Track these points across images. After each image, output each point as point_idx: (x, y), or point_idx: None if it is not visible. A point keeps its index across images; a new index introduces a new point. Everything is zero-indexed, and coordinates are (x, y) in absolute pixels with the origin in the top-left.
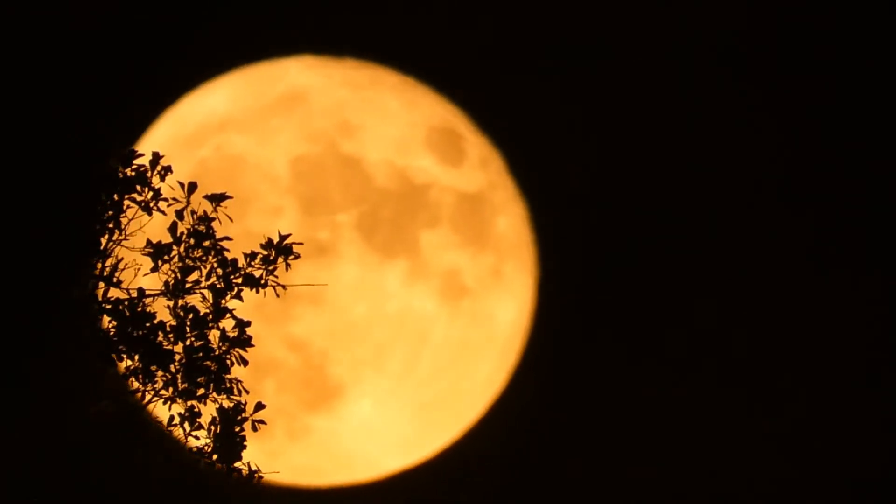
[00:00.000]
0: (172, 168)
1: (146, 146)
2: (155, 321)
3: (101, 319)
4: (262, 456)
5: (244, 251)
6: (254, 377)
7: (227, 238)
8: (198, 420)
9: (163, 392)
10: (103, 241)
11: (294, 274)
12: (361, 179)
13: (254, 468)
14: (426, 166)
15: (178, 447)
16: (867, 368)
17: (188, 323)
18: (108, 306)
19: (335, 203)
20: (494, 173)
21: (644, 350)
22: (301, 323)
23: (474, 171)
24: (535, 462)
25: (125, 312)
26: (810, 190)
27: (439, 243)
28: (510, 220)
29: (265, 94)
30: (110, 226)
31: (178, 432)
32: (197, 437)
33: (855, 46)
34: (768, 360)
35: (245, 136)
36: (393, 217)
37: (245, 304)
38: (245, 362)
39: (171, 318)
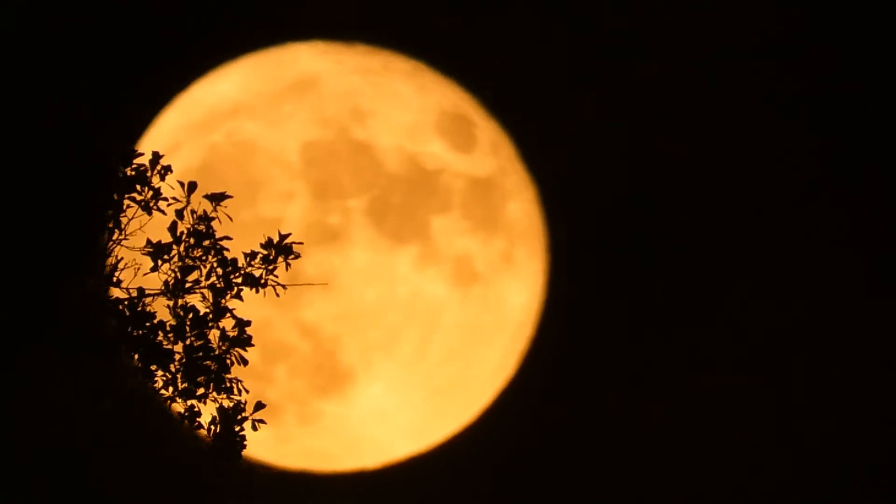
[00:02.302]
0: (172, 167)
1: (157, 132)
2: (155, 321)
3: (102, 319)
4: (274, 441)
5: (253, 239)
6: (265, 362)
7: (227, 238)
8: (198, 420)
9: (163, 392)
10: (103, 241)
11: (305, 259)
12: (372, 165)
13: (252, 463)
14: (437, 152)
15: (181, 443)
16: (876, 371)
17: (188, 322)
18: (109, 306)
19: (346, 188)
20: (505, 158)
21: (655, 335)
22: (312, 308)
23: (485, 156)
24: (546, 447)
25: (125, 312)
26: (824, 187)
27: (450, 228)
28: (521, 205)
29: (276, 79)
30: (110, 225)
31: (180, 428)
32: (197, 438)
33: (856, 45)
34: (780, 355)
35: (256, 122)
36: (404, 202)
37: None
38: (245, 362)
39: (171, 317)
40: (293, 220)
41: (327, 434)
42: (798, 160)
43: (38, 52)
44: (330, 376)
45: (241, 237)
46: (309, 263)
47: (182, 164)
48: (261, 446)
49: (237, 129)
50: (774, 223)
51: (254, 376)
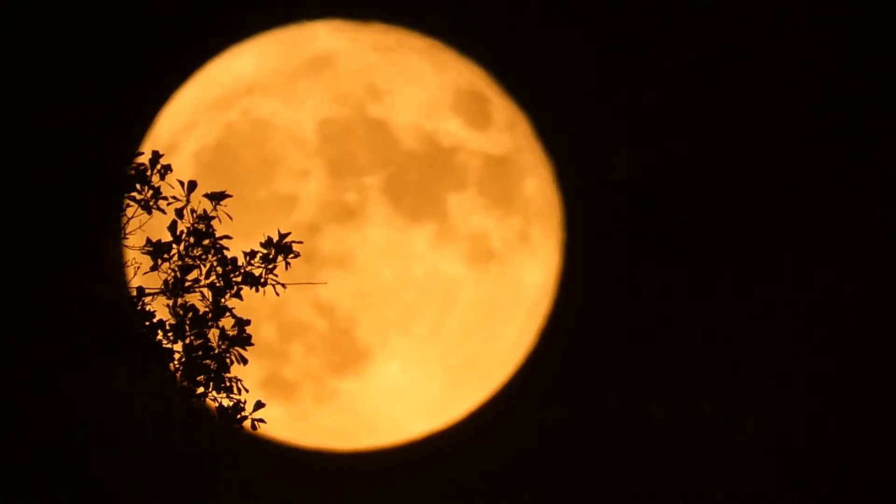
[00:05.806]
0: (172, 167)
1: (173, 110)
2: (154, 320)
3: (102, 319)
4: (289, 419)
5: (267, 218)
6: (281, 340)
7: (227, 237)
8: (197, 418)
9: (162, 391)
10: (103, 240)
11: (321, 238)
12: (389, 142)
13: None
14: (453, 129)
15: (181, 441)
16: (877, 371)
17: (188, 321)
18: (109, 306)
19: (362, 166)
20: (521, 136)
21: (670, 312)
22: (328, 286)
23: (501, 134)
24: (562, 425)
25: (125, 312)
26: (825, 187)
27: (466, 206)
28: (537, 182)
29: (293, 57)
30: (111, 225)
31: (180, 427)
32: (196, 436)
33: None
34: (781, 355)
35: (272, 100)
36: (420, 180)
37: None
38: (245, 361)
39: (170, 316)
40: (309, 198)
41: (343, 412)
42: (798, 159)
43: (40, 47)
44: (346, 354)
45: (256, 216)
46: (325, 241)
47: (198, 143)
48: (276, 424)
49: (253, 107)
50: (776, 223)
51: (270, 354)
